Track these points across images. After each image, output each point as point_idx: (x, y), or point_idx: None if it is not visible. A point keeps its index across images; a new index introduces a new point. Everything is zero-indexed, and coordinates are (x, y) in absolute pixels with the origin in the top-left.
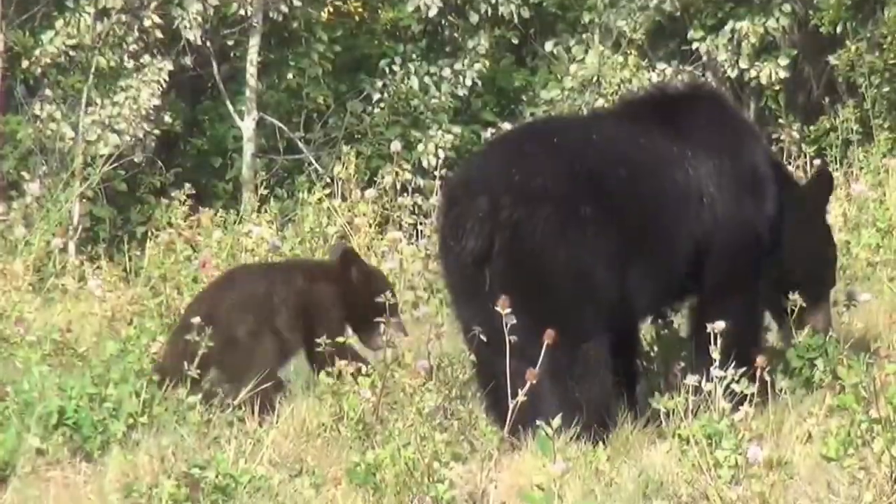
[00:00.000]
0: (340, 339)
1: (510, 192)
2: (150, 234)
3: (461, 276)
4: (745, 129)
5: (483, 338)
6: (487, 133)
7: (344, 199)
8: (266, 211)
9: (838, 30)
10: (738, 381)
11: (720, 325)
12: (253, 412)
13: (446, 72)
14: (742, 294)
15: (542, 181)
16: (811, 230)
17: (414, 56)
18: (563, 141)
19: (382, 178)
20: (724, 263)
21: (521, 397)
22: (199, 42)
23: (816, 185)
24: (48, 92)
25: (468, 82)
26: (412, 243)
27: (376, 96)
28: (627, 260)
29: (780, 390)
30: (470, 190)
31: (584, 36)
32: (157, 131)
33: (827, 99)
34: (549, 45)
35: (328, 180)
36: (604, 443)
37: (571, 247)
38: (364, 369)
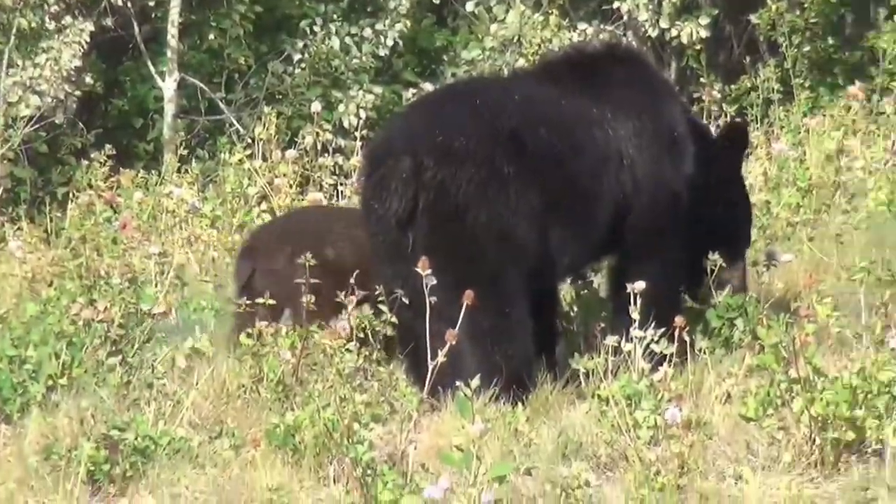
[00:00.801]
0: None
1: (433, 153)
2: (71, 195)
3: (384, 237)
4: (663, 88)
5: (405, 300)
6: (408, 93)
7: (265, 159)
8: (187, 172)
9: None
10: (657, 342)
11: (640, 285)
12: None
13: (367, 32)
14: (661, 255)
15: (465, 142)
16: (727, 187)
17: (335, 16)
18: (484, 101)
19: (303, 138)
20: (644, 224)
21: (440, 358)
22: (121, 3)
23: (729, 140)
24: None
25: (389, 42)
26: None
27: (297, 57)
28: (549, 220)
29: (700, 350)
30: (393, 151)
31: None
32: (78, 92)
33: (748, 58)
34: (469, 5)
35: (249, 141)
36: (523, 403)
37: (494, 207)
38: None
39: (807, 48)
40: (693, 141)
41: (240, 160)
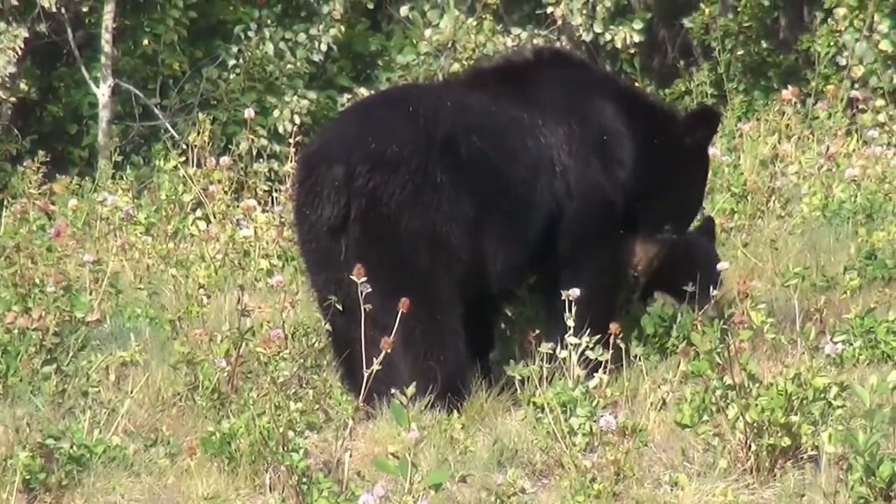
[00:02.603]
0: None
1: (366, 160)
2: (5, 202)
3: (317, 244)
4: (595, 90)
5: (339, 307)
6: (343, 98)
7: (199, 165)
8: (121, 178)
9: None
10: (592, 349)
11: (575, 292)
12: None
13: (301, 37)
14: (595, 261)
15: (398, 149)
16: (689, 166)
17: (269, 21)
18: (417, 108)
19: (238, 144)
20: (577, 231)
21: (375, 366)
22: (55, 9)
23: (696, 125)
24: None
25: (323, 47)
26: (267, 211)
27: (232, 62)
28: (483, 227)
29: (635, 357)
30: (326, 158)
31: (439, 0)
32: (12, 99)
33: (682, 62)
34: (404, 10)
35: (184, 147)
36: (458, 411)
37: (426, 214)
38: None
39: (741, 52)
40: (633, 137)
41: (174, 166)
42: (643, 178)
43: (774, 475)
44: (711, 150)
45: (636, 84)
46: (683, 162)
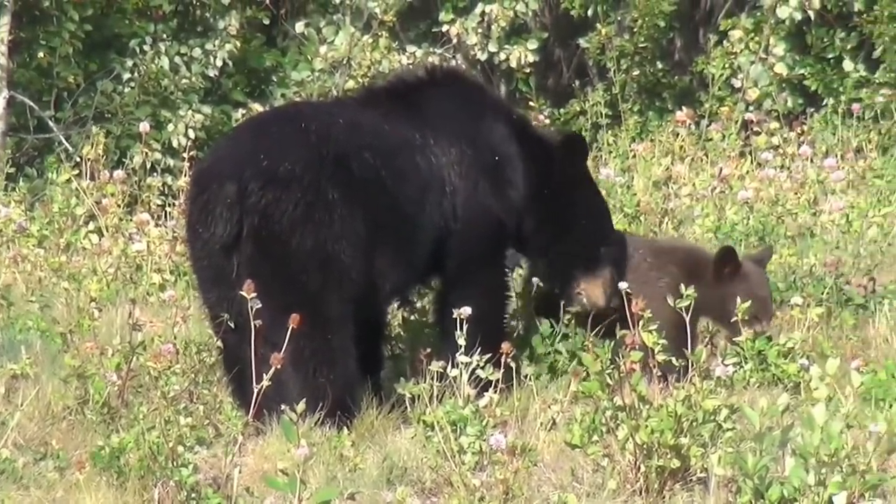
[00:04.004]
0: None
1: (258, 177)
2: None
3: (209, 261)
4: (485, 111)
5: (231, 324)
6: (237, 114)
7: (93, 178)
8: (15, 190)
9: (589, 13)
10: (483, 367)
11: (466, 310)
12: None
13: (197, 52)
14: (487, 280)
15: (290, 166)
16: (574, 193)
17: (165, 36)
18: (310, 125)
19: (132, 158)
20: (467, 251)
21: (265, 382)
22: None
23: (567, 149)
24: None
25: (219, 62)
26: (160, 225)
27: (127, 76)
28: (374, 245)
29: (525, 376)
30: (218, 175)
31: (334, 17)
32: None
33: (577, 82)
34: (299, 26)
35: (78, 160)
36: (348, 428)
37: (318, 232)
38: None
39: (636, 73)
40: (523, 159)
41: (67, 179)
42: (535, 202)
43: (663, 496)
44: (605, 172)
45: (529, 103)
46: (570, 186)
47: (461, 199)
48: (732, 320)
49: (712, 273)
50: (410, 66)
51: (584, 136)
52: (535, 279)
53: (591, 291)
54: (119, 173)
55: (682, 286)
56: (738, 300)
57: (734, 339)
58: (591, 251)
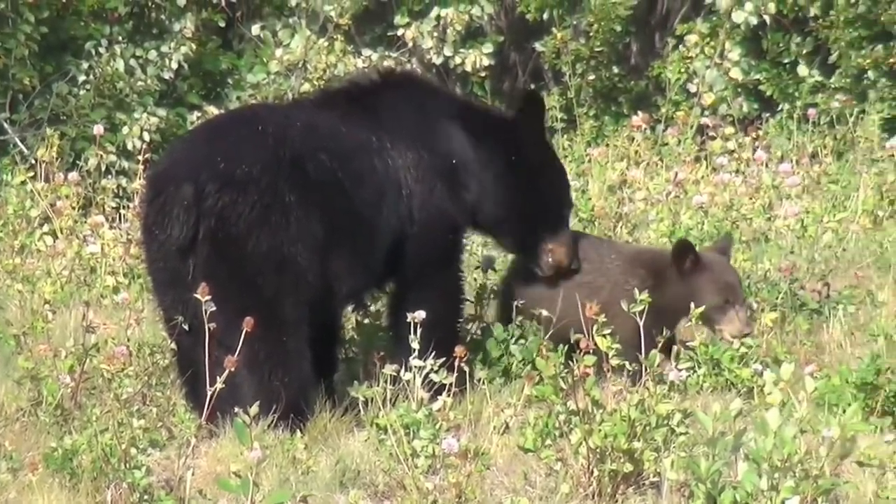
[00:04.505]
0: None
1: (215, 180)
2: None
3: (165, 264)
4: (442, 112)
5: (185, 327)
6: (193, 116)
7: (47, 181)
8: None
9: (545, 17)
10: (436, 371)
11: (420, 314)
12: None
13: (152, 54)
14: (440, 284)
15: (247, 168)
16: (536, 159)
17: (120, 38)
18: (266, 128)
19: (86, 160)
20: (422, 254)
21: (219, 384)
22: None
23: (525, 112)
24: None
25: (174, 65)
26: (114, 227)
27: (82, 78)
28: (330, 248)
29: (479, 380)
30: (175, 177)
31: (290, 20)
32: None
33: (532, 86)
34: (255, 29)
35: (32, 162)
36: (301, 431)
37: (275, 235)
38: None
39: (591, 77)
40: (488, 147)
41: (22, 181)
42: (499, 186)
43: (616, 500)
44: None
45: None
46: (533, 155)
47: (418, 202)
48: (707, 313)
49: (675, 270)
50: (365, 69)
51: (538, 92)
52: (490, 283)
53: (557, 251)
54: (74, 175)
55: (649, 289)
56: (706, 291)
57: (718, 330)
58: (555, 213)
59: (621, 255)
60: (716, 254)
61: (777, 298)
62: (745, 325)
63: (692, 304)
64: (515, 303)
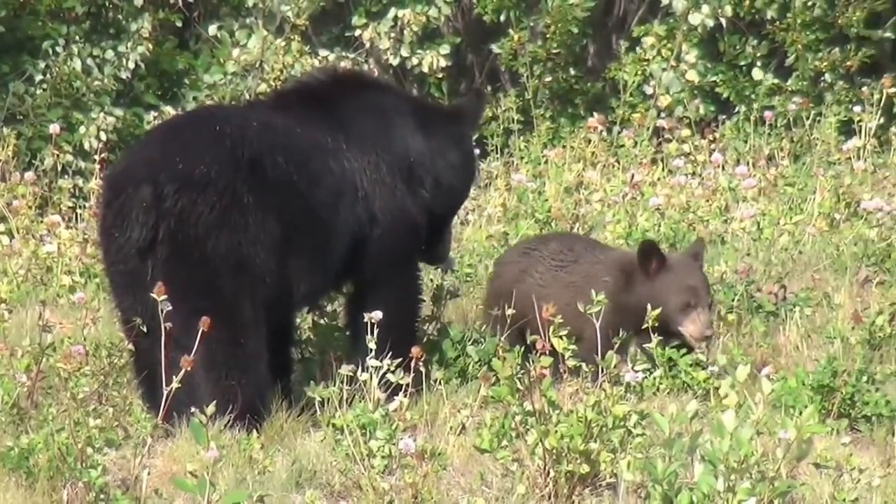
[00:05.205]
0: None
1: (174, 181)
2: None
3: (124, 265)
4: (396, 114)
5: (144, 328)
6: (150, 116)
7: (3, 180)
8: None
9: (501, 18)
10: (393, 371)
11: (377, 315)
12: None
13: (109, 54)
14: (397, 285)
15: (206, 169)
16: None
17: (77, 38)
18: (224, 128)
19: (42, 160)
20: (380, 255)
21: (175, 384)
22: None
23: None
24: None
25: (131, 65)
26: (71, 227)
27: (38, 77)
28: (288, 249)
29: (435, 381)
30: (133, 179)
31: (247, 20)
32: None
33: (489, 87)
34: (212, 29)
35: None
36: (257, 431)
37: (233, 236)
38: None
39: (548, 78)
40: (433, 162)
41: None
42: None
43: (573, 501)
44: (516, 178)
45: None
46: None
47: (378, 204)
48: (670, 314)
49: (640, 270)
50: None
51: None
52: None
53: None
54: (30, 175)
55: (620, 290)
56: (670, 292)
57: (681, 332)
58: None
59: (607, 257)
60: (684, 256)
61: (733, 301)
62: (707, 328)
63: (661, 305)
64: (496, 310)
